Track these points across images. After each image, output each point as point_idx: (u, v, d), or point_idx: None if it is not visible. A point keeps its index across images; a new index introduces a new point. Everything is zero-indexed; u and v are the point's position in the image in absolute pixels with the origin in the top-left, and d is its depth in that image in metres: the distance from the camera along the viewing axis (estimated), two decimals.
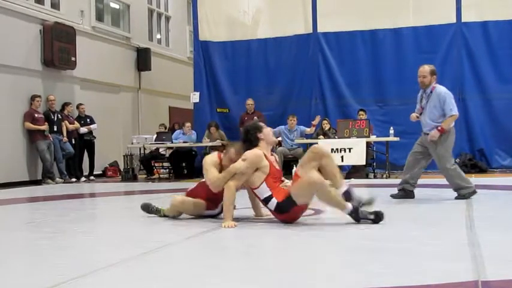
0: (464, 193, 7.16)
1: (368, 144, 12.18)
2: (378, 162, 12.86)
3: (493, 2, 13.16)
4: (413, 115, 7.52)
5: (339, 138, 12.27)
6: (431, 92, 7.26)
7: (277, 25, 14.46)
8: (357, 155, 11.82)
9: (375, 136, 12.64)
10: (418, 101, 7.49)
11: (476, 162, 12.83)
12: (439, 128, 7.15)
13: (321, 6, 13.99)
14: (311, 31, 14.07)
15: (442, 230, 4.98)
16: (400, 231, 4.95)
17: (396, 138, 12.24)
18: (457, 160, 12.78)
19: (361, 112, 12.98)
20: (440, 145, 7.21)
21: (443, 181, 7.63)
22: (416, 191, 7.54)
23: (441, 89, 7.29)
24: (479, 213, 5.76)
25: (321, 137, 12.77)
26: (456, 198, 7.18)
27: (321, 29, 14.01)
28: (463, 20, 13.18)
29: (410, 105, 13.43)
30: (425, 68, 7.35)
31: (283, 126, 13.15)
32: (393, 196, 7.48)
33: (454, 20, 13.24)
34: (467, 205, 6.47)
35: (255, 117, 13.85)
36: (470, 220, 5.27)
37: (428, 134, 7.28)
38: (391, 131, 12.24)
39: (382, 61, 13.69)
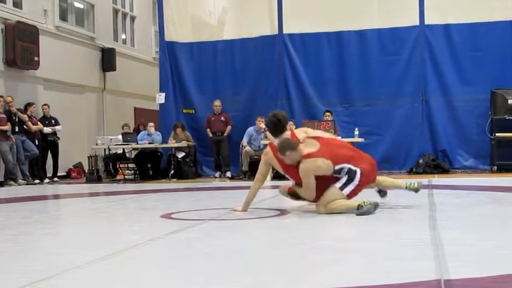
0: None
1: None
2: None
3: (455, 5, 13.39)
4: None
5: None
6: None
7: (243, 26, 14.46)
8: None
9: (340, 137, 12.69)
10: None
11: (439, 163, 13.03)
12: None
13: (287, 7, 14.03)
14: (277, 32, 14.11)
15: (404, 229, 5.05)
16: (366, 231, 5.00)
17: (361, 139, 12.37)
18: (421, 160, 12.98)
19: (327, 113, 13.05)
20: None
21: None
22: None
23: None
24: (441, 213, 5.85)
25: None
26: None
27: (286, 30, 14.04)
28: (426, 22, 13.38)
29: (375, 106, 13.77)
30: None
31: (252, 128, 13.14)
32: None
33: (417, 23, 13.42)
34: (430, 205, 6.57)
35: (222, 118, 13.86)
36: (433, 220, 5.35)
37: None
38: (356, 132, 12.36)
39: (347, 63, 13.80)
